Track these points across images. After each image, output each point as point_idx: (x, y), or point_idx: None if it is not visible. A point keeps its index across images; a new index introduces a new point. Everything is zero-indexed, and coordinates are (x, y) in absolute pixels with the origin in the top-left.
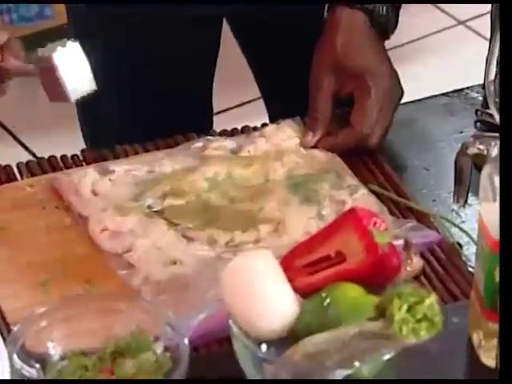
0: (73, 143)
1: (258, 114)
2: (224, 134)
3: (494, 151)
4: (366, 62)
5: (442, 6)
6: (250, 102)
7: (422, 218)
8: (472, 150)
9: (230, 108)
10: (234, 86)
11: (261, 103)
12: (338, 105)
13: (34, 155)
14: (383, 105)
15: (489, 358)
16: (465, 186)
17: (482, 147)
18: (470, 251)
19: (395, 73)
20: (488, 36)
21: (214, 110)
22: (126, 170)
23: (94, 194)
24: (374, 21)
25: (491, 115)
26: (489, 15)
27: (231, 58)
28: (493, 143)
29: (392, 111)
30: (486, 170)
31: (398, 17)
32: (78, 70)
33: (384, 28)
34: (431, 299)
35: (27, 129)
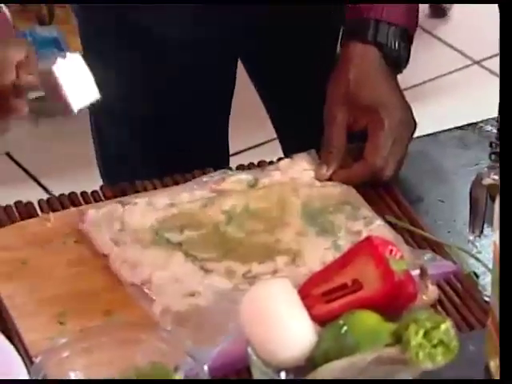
0: (90, 182)
1: (273, 155)
2: (241, 168)
3: None
4: (379, 96)
5: (457, 46)
6: (265, 143)
7: (438, 249)
8: (487, 181)
9: (246, 150)
10: (250, 128)
11: (275, 144)
12: (352, 139)
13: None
14: (397, 137)
15: None
16: (480, 216)
17: (496, 178)
18: (485, 281)
19: (408, 106)
20: None
21: (230, 152)
22: (147, 203)
23: (121, 229)
24: (386, 55)
25: None
26: None
27: (247, 98)
28: None
29: (406, 143)
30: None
31: (410, 51)
32: (79, 80)
33: (396, 62)
34: (447, 324)
35: (45, 169)
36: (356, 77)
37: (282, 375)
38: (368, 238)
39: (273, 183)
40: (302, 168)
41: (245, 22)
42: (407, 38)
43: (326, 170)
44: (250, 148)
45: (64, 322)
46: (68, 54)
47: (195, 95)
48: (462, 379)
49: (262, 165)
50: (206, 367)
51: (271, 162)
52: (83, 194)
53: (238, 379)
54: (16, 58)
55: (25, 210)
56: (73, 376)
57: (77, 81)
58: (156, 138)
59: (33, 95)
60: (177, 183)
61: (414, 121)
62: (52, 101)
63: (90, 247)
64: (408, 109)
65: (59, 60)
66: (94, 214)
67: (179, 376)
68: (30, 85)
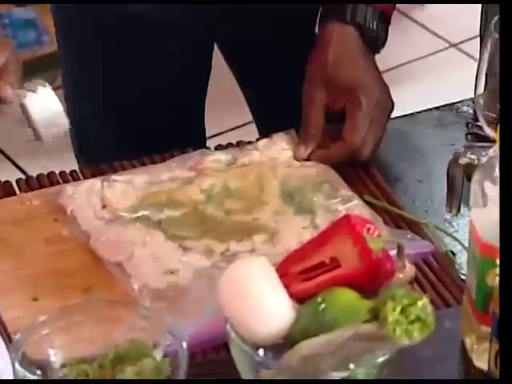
0: (67, 164)
1: (250, 138)
2: (219, 148)
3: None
4: (357, 76)
5: (434, 29)
6: (241, 126)
7: (415, 228)
8: (463, 160)
9: (223, 132)
10: (227, 111)
11: (252, 127)
12: (330, 119)
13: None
14: (374, 117)
15: (481, 361)
16: (457, 195)
17: (473, 157)
18: (462, 259)
19: (386, 86)
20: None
21: (208, 134)
22: (126, 182)
23: (103, 206)
24: (364, 36)
25: (481, 128)
26: (477, 38)
27: (223, 81)
28: (483, 153)
29: (383, 123)
30: (476, 176)
31: (387, 31)
32: (48, 114)
33: (374, 43)
34: (424, 301)
35: (21, 151)
36: (334, 57)
37: (261, 352)
38: (346, 217)
39: (251, 162)
40: (280, 147)
41: (220, 5)
42: (385, 19)
43: (305, 149)
44: (227, 131)
45: (43, 300)
46: (39, 88)
47: (171, 78)
48: (462, 379)
49: (240, 145)
50: (184, 344)
51: (250, 142)
52: (62, 173)
53: (239, 379)
54: None
55: (3, 190)
56: (52, 354)
57: (46, 114)
58: (132, 121)
59: None
60: (155, 163)
61: (392, 101)
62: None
63: (69, 226)
64: (385, 89)
65: (29, 94)
66: (72, 189)
67: (158, 353)
68: (7, 100)
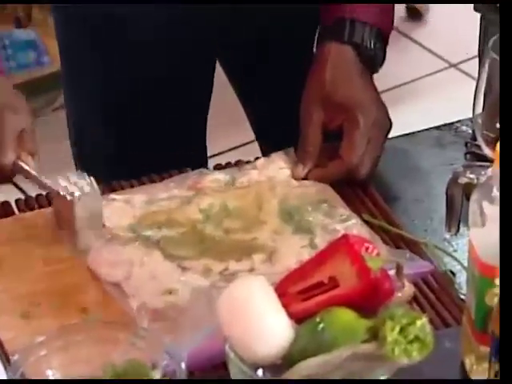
0: None
1: (251, 157)
2: (218, 167)
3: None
4: (354, 95)
5: (434, 49)
6: (243, 145)
7: (415, 248)
8: (463, 180)
9: (224, 152)
10: (228, 130)
11: (254, 146)
12: (327, 138)
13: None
14: (372, 136)
15: None
16: (456, 214)
17: (472, 176)
18: (461, 279)
19: (383, 105)
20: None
21: (208, 153)
22: (125, 201)
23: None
24: (362, 55)
25: (480, 147)
26: (477, 59)
27: (225, 100)
28: (482, 172)
29: (381, 142)
30: (475, 195)
31: (385, 51)
32: (92, 207)
33: (372, 62)
34: (423, 321)
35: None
36: (332, 76)
37: (259, 372)
38: (344, 236)
39: (250, 182)
40: (278, 166)
41: (221, 23)
42: (382, 38)
43: (303, 168)
44: (228, 150)
45: (40, 320)
46: (85, 184)
47: (173, 96)
48: (462, 379)
49: (239, 164)
50: (183, 364)
51: (248, 162)
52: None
53: (239, 380)
54: (16, 130)
55: (2, 210)
56: (50, 374)
57: (90, 213)
58: (133, 138)
59: None
60: (154, 183)
61: (390, 120)
62: (57, 215)
63: (68, 245)
64: (383, 108)
65: (82, 197)
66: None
67: (157, 373)
68: (29, 174)
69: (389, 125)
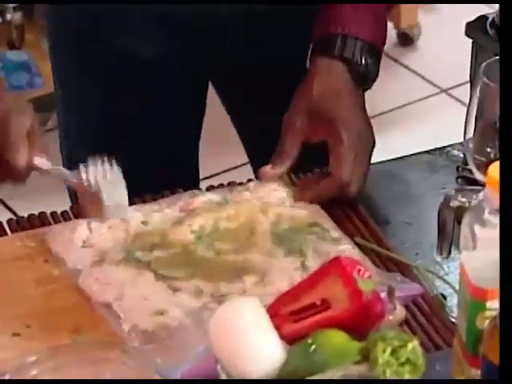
0: (59, 205)
1: (243, 180)
2: (210, 189)
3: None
4: (339, 111)
5: (425, 74)
6: (236, 167)
7: (406, 271)
8: (454, 203)
9: (216, 174)
10: (221, 153)
11: (247, 169)
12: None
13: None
14: (358, 152)
15: None
16: (448, 237)
17: (463, 200)
18: (453, 302)
19: (368, 122)
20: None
21: (201, 176)
22: (115, 222)
23: (84, 246)
24: (353, 70)
25: (471, 171)
26: (467, 84)
27: (218, 122)
28: (474, 196)
29: (367, 158)
30: (467, 219)
31: (379, 67)
32: (117, 194)
33: (364, 77)
34: (414, 343)
35: (12, 192)
36: (319, 91)
37: None
38: (336, 258)
39: (242, 203)
40: (271, 188)
41: (214, 45)
42: (375, 53)
43: (269, 169)
44: (221, 172)
45: (31, 341)
46: (107, 165)
47: (165, 119)
48: (462, 379)
49: (231, 185)
50: None
51: (241, 183)
52: (53, 214)
53: (238, 379)
54: (25, 129)
55: None
56: None
57: (115, 194)
58: (124, 160)
59: None
60: (146, 203)
61: (373, 137)
62: (83, 202)
63: (59, 266)
64: (368, 125)
65: (104, 182)
66: (65, 231)
67: None
68: (42, 170)
69: (372, 141)
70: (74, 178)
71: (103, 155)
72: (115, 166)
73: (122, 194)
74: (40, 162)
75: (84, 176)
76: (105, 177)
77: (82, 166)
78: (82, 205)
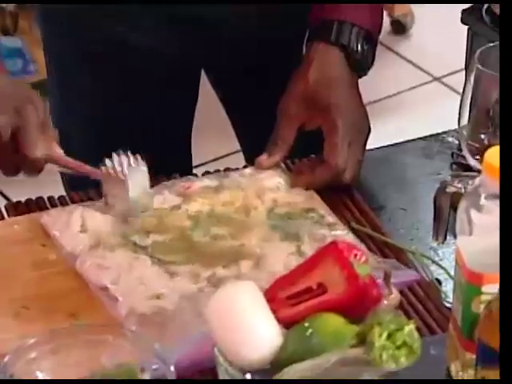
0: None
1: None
2: (206, 174)
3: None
4: (334, 97)
5: (418, 62)
6: (228, 155)
7: (401, 256)
8: (450, 189)
9: (209, 161)
10: (214, 140)
11: (239, 156)
12: (310, 147)
13: None
14: (352, 139)
15: None
16: (444, 223)
17: (459, 186)
18: (448, 288)
19: (363, 109)
20: (460, 91)
21: (194, 163)
22: (113, 206)
23: (82, 231)
24: (349, 56)
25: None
26: (461, 72)
27: (211, 110)
28: (470, 182)
29: (361, 144)
30: (463, 204)
31: (374, 54)
32: (142, 187)
33: (360, 64)
34: (410, 327)
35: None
36: (315, 77)
37: (248, 377)
38: (333, 242)
39: (238, 189)
40: (267, 174)
41: (207, 35)
42: (371, 40)
43: (267, 157)
44: (212, 160)
45: (30, 324)
46: (132, 159)
47: (158, 106)
48: (463, 379)
49: (227, 171)
50: (172, 367)
51: (237, 169)
52: (50, 198)
53: (238, 379)
54: (39, 121)
55: None
56: (40, 377)
57: (140, 187)
58: (118, 147)
59: None
60: None
61: (368, 123)
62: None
63: (56, 250)
64: (362, 111)
65: (130, 168)
66: (62, 215)
67: (146, 376)
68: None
69: (367, 127)
70: (94, 170)
71: (91, 138)
72: (139, 157)
73: (146, 182)
74: (58, 154)
75: (109, 164)
76: (129, 165)
77: (106, 159)
78: (107, 193)
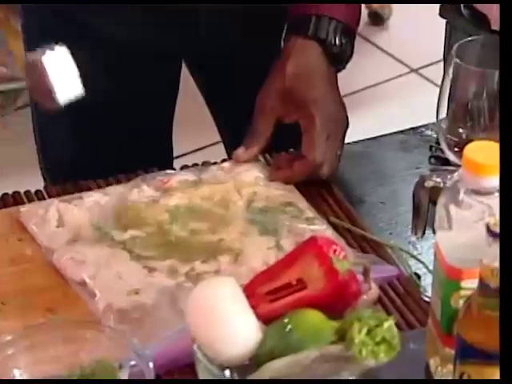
0: (32, 183)
1: (216, 158)
2: (185, 168)
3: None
4: (312, 91)
5: (395, 54)
6: (209, 146)
7: (380, 251)
8: (429, 183)
9: (190, 152)
10: (194, 131)
11: (219, 147)
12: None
13: None
14: (330, 133)
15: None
16: (423, 217)
17: (438, 180)
18: (426, 282)
19: (341, 102)
20: (437, 82)
21: (174, 154)
22: (91, 200)
23: (59, 225)
24: (327, 50)
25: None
26: (438, 64)
27: (191, 101)
28: (449, 176)
29: (339, 138)
30: (442, 199)
31: (353, 47)
32: (66, 74)
33: (338, 57)
34: (390, 322)
35: None
36: (293, 72)
37: (227, 373)
38: (312, 238)
39: (216, 183)
40: (245, 168)
41: (188, 28)
42: (349, 34)
43: (243, 151)
44: (194, 151)
45: (6, 320)
46: (56, 46)
47: (139, 98)
48: (461, 379)
49: (206, 165)
50: (151, 364)
51: (215, 163)
52: (27, 193)
53: (238, 379)
54: None
55: None
56: (17, 374)
57: (64, 74)
58: (98, 140)
59: None
60: (120, 183)
61: (346, 116)
62: (35, 92)
63: (33, 245)
64: (341, 106)
65: (48, 52)
66: (38, 211)
67: (124, 373)
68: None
69: (345, 120)
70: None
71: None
72: (65, 49)
73: (71, 73)
74: None
75: (33, 57)
76: (53, 59)
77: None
78: (31, 88)
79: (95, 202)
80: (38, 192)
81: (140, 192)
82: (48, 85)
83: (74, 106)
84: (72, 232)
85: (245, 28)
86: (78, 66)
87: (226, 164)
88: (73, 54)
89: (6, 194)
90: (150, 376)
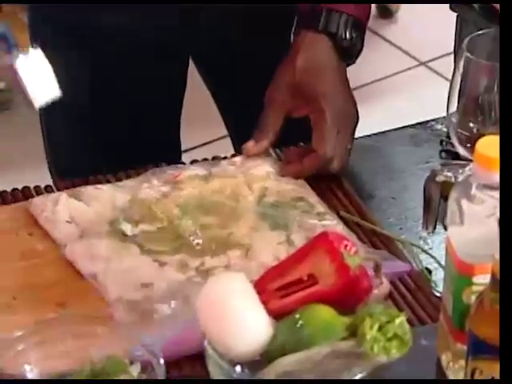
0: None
1: (224, 153)
2: (194, 163)
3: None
4: (322, 86)
5: (404, 47)
6: (216, 140)
7: (391, 246)
8: (440, 178)
9: (197, 146)
10: (202, 125)
11: (227, 142)
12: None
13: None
14: (340, 127)
15: (457, 378)
16: (434, 212)
17: (449, 174)
18: (438, 277)
19: (351, 97)
20: (446, 75)
21: (182, 148)
22: (102, 195)
23: (71, 219)
24: (337, 45)
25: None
26: (447, 57)
27: (199, 96)
28: (460, 171)
29: (350, 132)
30: (454, 194)
31: (363, 41)
32: (40, 77)
33: (348, 52)
34: (401, 318)
35: None
36: (303, 66)
37: (238, 368)
38: (323, 233)
39: (227, 177)
40: (256, 163)
41: (195, 25)
42: (359, 28)
43: (253, 145)
44: (201, 145)
45: (18, 315)
46: (30, 49)
47: (146, 93)
48: (462, 379)
49: (216, 160)
50: (161, 360)
51: (225, 158)
52: (36, 188)
53: (238, 379)
54: None
55: None
56: (28, 369)
57: (38, 77)
58: (107, 134)
59: None
60: (130, 178)
61: (356, 110)
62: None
63: (44, 240)
64: (350, 99)
65: (21, 56)
66: (48, 205)
67: (135, 368)
68: None
69: (355, 115)
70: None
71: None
72: (39, 52)
73: (46, 75)
74: None
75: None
76: (27, 62)
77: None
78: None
79: (106, 196)
80: (47, 187)
81: (150, 186)
82: (22, 88)
83: (82, 101)
84: (82, 226)
85: (245, 27)
86: (89, 62)
87: (236, 158)
88: (83, 49)
89: (15, 189)
90: (161, 371)
